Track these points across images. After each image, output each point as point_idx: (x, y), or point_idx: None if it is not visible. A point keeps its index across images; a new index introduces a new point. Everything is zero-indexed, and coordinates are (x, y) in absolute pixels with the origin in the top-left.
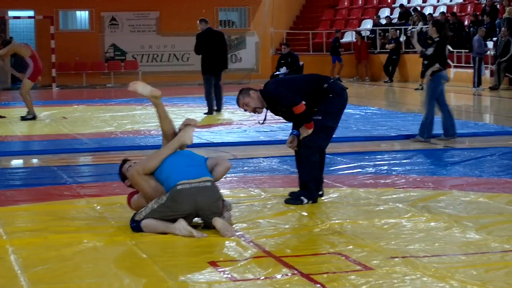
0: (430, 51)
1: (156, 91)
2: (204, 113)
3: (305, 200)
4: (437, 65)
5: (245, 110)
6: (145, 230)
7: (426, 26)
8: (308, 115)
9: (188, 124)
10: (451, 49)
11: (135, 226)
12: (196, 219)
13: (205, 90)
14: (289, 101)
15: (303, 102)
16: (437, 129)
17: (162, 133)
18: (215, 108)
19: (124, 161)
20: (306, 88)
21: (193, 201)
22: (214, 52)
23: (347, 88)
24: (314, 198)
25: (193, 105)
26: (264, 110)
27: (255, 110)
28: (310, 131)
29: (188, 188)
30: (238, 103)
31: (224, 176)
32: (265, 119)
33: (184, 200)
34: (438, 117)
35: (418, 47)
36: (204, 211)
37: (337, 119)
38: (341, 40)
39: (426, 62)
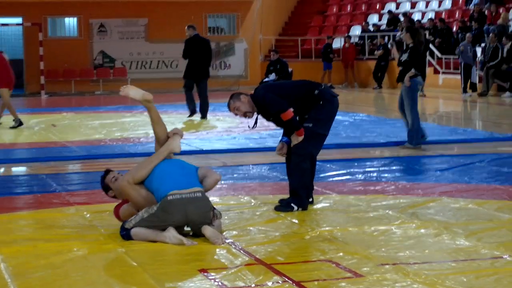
0: (404, 57)
1: (148, 94)
2: (187, 117)
3: (295, 207)
4: (412, 70)
5: (236, 115)
6: (134, 238)
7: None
8: (296, 122)
9: (175, 133)
10: (439, 55)
11: (125, 234)
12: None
13: (186, 94)
14: (277, 107)
15: (291, 109)
16: (404, 136)
17: (155, 138)
18: (197, 110)
19: (107, 171)
20: (296, 94)
21: (183, 212)
22: (198, 58)
23: (338, 95)
24: (304, 205)
25: (183, 112)
26: (255, 114)
27: (245, 115)
28: (300, 138)
29: (179, 198)
30: (229, 108)
31: None
32: (255, 124)
33: (175, 210)
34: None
35: (396, 55)
36: (194, 222)
37: (328, 126)
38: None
39: (401, 68)
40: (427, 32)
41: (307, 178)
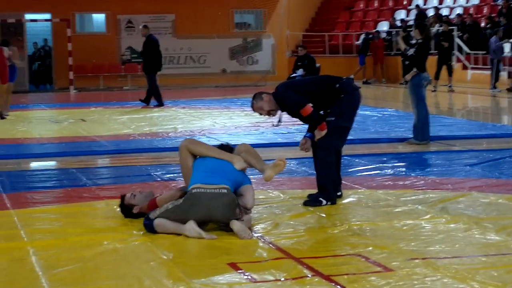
0: (411, 51)
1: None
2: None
3: (324, 202)
4: (415, 69)
5: (260, 114)
6: (156, 229)
7: (441, 28)
8: (317, 117)
9: (276, 165)
10: (468, 51)
11: (148, 224)
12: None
13: (154, 86)
14: (295, 105)
15: (310, 104)
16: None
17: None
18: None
19: (122, 196)
20: (317, 89)
21: (207, 206)
22: (157, 54)
23: (359, 88)
24: (333, 199)
25: (211, 107)
26: (279, 112)
27: (269, 113)
28: (323, 132)
29: (203, 192)
30: (252, 108)
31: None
32: (279, 121)
33: (198, 203)
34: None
35: (402, 45)
36: (217, 217)
37: (350, 119)
38: (357, 42)
39: (407, 62)
40: (455, 28)
41: (333, 171)
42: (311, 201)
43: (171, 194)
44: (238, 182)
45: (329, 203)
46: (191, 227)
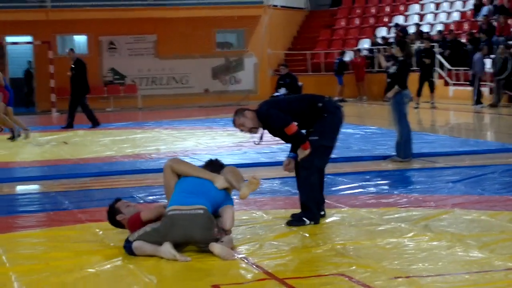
0: (392, 69)
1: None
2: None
3: (307, 221)
4: (396, 87)
5: (241, 131)
6: (135, 252)
7: (423, 44)
8: (301, 136)
9: (248, 184)
10: (449, 67)
11: (127, 246)
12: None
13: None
14: (280, 123)
15: (295, 123)
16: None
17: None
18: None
19: (118, 199)
20: (300, 108)
21: (183, 227)
22: (85, 77)
23: (342, 106)
24: (316, 218)
25: (194, 127)
26: (261, 129)
27: (251, 130)
28: (307, 152)
29: (178, 214)
30: (234, 124)
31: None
32: (261, 139)
33: (175, 227)
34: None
35: (384, 63)
36: (194, 239)
37: (333, 138)
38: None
39: (389, 80)
40: (436, 44)
41: (316, 191)
42: (295, 221)
43: (157, 209)
44: (218, 202)
45: (312, 222)
46: (166, 249)
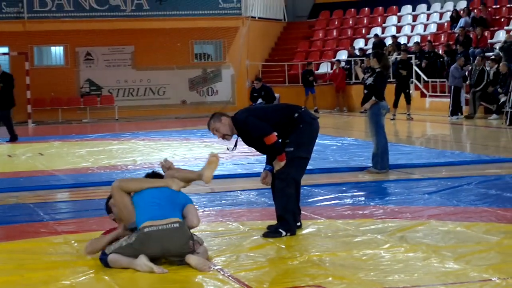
0: (369, 80)
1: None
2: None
3: (284, 233)
4: (373, 98)
5: (214, 135)
6: (110, 265)
7: (400, 56)
8: (280, 147)
9: (208, 165)
10: (426, 79)
11: (103, 258)
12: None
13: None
14: (260, 131)
15: (275, 133)
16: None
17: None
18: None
19: (110, 197)
20: (276, 118)
21: (160, 244)
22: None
23: (318, 117)
24: (292, 230)
25: (171, 138)
26: (235, 136)
27: (224, 137)
28: (282, 163)
29: (155, 230)
30: (208, 127)
31: (202, 210)
32: (235, 146)
33: (152, 243)
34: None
35: (360, 74)
36: (171, 253)
37: (309, 149)
38: (316, 71)
39: (365, 91)
40: (413, 56)
41: (293, 203)
42: (271, 233)
43: (117, 232)
44: (182, 204)
45: (288, 234)
46: (142, 262)
